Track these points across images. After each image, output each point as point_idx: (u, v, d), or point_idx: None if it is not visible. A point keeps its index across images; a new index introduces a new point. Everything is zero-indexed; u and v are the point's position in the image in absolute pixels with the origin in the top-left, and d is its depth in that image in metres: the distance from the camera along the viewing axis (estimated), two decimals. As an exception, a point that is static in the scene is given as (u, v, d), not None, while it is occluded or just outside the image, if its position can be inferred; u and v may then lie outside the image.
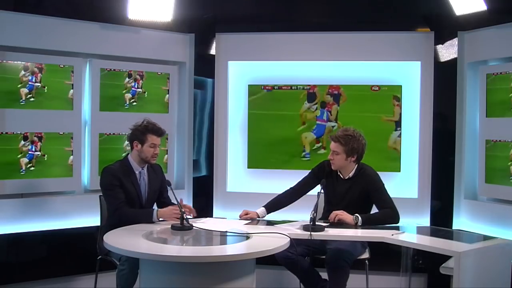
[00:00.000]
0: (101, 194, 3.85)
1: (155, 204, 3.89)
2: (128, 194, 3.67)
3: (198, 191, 4.95)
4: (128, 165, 3.75)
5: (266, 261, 3.35)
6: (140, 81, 4.77)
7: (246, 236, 3.29)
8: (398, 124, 4.77)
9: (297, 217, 3.85)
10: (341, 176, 3.85)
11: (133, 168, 3.75)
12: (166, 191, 3.87)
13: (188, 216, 3.57)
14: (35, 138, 4.32)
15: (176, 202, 3.58)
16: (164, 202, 3.87)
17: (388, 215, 3.68)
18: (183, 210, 3.49)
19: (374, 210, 3.80)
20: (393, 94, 4.78)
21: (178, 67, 4.98)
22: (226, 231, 3.39)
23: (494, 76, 4.35)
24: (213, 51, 4.94)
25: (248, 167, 5.00)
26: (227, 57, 4.96)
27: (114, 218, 3.64)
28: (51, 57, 4.38)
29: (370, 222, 3.62)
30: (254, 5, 4.92)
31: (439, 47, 4.64)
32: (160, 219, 3.61)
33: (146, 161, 3.75)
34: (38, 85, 4.33)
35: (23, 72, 4.26)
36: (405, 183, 4.76)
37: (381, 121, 4.79)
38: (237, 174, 5.03)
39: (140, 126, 3.74)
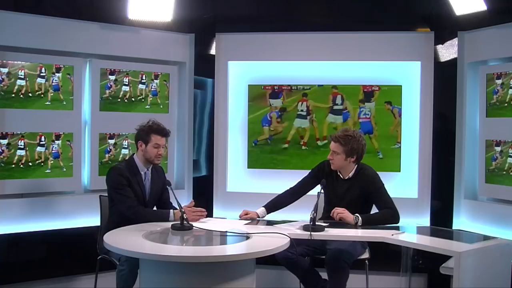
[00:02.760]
0: (101, 194, 3.85)
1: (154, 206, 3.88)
2: (134, 194, 3.66)
3: (198, 191, 4.94)
4: (134, 165, 3.75)
5: (266, 261, 3.36)
6: (141, 81, 4.78)
7: (246, 236, 3.29)
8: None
9: (297, 217, 3.84)
10: (341, 176, 3.85)
11: (139, 168, 3.75)
12: (167, 192, 3.86)
13: (204, 219, 3.66)
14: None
15: (176, 203, 3.58)
16: (165, 203, 3.85)
17: (389, 215, 3.68)
18: (183, 210, 3.49)
19: (374, 210, 3.80)
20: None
21: (178, 67, 4.98)
22: (226, 231, 3.39)
23: (494, 76, 4.36)
24: (213, 51, 4.94)
25: (248, 167, 5.01)
26: (227, 57, 4.96)
27: (118, 216, 3.63)
28: (51, 57, 4.38)
29: (370, 222, 3.62)
30: (254, 5, 4.92)
31: (439, 47, 4.64)
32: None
33: (150, 161, 3.74)
34: (38, 85, 4.34)
35: (23, 72, 4.27)
36: (405, 183, 4.76)
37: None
38: (237, 174, 5.03)
39: (144, 126, 3.74)
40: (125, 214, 3.61)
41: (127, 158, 4.25)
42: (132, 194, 3.63)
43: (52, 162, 4.40)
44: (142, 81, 4.78)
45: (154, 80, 4.83)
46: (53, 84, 4.39)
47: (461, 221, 4.54)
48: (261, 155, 4.96)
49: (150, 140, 3.69)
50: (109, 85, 4.62)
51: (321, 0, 4.93)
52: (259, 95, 4.97)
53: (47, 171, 4.38)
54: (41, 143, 4.35)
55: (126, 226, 3.47)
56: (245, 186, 4.98)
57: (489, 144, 4.40)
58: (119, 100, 4.68)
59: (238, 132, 5.02)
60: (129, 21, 4.60)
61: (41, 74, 4.34)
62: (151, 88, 4.82)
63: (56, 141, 4.41)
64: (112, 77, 4.64)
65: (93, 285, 3.82)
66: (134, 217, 3.57)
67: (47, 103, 4.37)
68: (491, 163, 4.37)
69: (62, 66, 4.43)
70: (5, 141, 4.20)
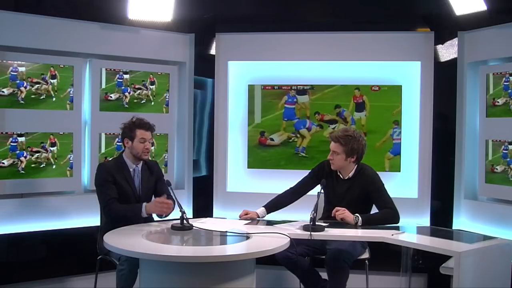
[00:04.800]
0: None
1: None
2: (122, 190, 3.67)
3: (198, 191, 4.95)
4: (122, 162, 3.76)
5: (266, 261, 3.35)
6: (140, 81, 4.78)
7: (246, 236, 3.29)
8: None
9: (297, 217, 3.84)
10: (341, 176, 3.85)
11: (128, 166, 3.76)
12: (164, 187, 3.81)
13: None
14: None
15: (174, 199, 3.58)
16: None
17: (389, 215, 3.68)
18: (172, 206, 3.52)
19: (374, 210, 3.80)
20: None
21: (178, 67, 4.98)
22: (226, 231, 3.39)
23: (494, 76, 4.36)
24: (213, 51, 4.94)
25: (248, 167, 5.01)
26: (227, 57, 4.96)
27: (105, 215, 3.66)
28: (51, 57, 4.38)
29: (370, 222, 3.62)
30: (254, 5, 4.93)
31: (439, 47, 4.64)
32: (149, 213, 3.59)
33: (138, 157, 3.74)
34: (39, 85, 4.34)
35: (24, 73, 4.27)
36: (405, 183, 4.76)
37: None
38: (237, 174, 5.03)
39: (128, 123, 3.76)
40: (103, 212, 3.63)
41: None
42: (113, 192, 3.62)
43: (52, 162, 4.40)
44: (142, 81, 4.78)
45: (154, 80, 4.83)
46: (54, 84, 4.39)
47: (461, 221, 4.54)
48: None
49: (135, 135, 3.70)
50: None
51: (321, 0, 4.93)
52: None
53: (46, 170, 4.38)
54: (41, 143, 4.35)
55: (126, 226, 3.47)
56: (245, 186, 4.97)
57: (489, 144, 4.39)
58: (118, 100, 4.68)
59: (238, 132, 5.02)
60: (129, 21, 4.60)
61: (41, 74, 4.34)
62: (151, 88, 4.82)
63: (56, 141, 4.41)
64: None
65: (93, 285, 3.82)
66: (109, 214, 3.58)
67: (42, 97, 4.36)
68: (499, 160, 4.35)
69: (62, 66, 4.42)
70: (5, 141, 4.21)
